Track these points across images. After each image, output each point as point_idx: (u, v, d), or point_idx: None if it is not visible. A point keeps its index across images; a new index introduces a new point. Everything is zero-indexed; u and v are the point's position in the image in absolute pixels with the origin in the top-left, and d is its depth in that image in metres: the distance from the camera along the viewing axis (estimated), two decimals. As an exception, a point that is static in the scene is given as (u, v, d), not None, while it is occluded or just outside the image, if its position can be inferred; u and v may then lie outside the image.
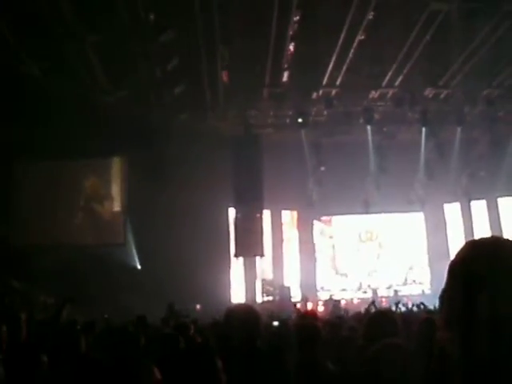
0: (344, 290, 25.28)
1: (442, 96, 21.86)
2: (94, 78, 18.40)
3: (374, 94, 21.79)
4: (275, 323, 9.60)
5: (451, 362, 1.51)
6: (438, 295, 4.18)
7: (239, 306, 3.72)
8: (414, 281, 25.83)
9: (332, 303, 21.81)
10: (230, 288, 23.67)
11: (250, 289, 23.95)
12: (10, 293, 16.99)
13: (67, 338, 4.38)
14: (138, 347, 4.31)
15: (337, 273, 25.94)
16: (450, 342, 1.53)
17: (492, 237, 1.62)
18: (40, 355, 3.74)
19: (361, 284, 25.55)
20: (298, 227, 26.34)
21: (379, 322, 3.80)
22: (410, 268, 26.03)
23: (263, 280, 23.58)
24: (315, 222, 26.31)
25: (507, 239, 1.60)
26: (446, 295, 1.56)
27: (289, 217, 26.40)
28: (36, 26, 15.68)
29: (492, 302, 1.42)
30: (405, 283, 25.61)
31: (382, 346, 2.66)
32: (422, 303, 14.49)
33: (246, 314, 3.53)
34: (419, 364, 3.19)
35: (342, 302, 22.60)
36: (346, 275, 25.85)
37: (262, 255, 23.35)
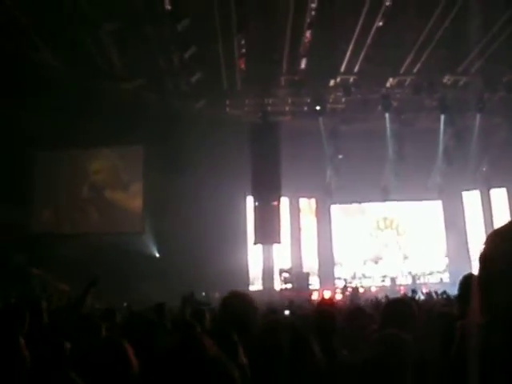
0: (362, 277, 25.24)
1: (461, 83, 21.65)
2: (111, 67, 18.46)
3: (391, 82, 21.66)
4: (286, 312, 9.59)
5: (471, 350, 1.51)
6: (456, 283, 4.17)
7: (234, 294, 3.68)
8: (433, 269, 25.69)
9: (350, 291, 21.82)
10: (248, 276, 23.76)
11: (268, 276, 24.02)
12: (30, 280, 17.20)
13: (88, 325, 4.42)
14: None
15: (355, 260, 25.88)
16: (472, 330, 1.53)
17: None
18: (63, 342, 3.79)
19: (379, 272, 25.49)
20: (316, 215, 26.33)
21: (396, 309, 3.80)
22: (428, 256, 25.88)
23: (281, 268, 23.61)
24: (333, 209, 26.26)
25: None
26: (475, 285, 1.55)
27: (307, 204, 26.40)
28: (52, 14, 15.76)
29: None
30: (423, 271, 25.49)
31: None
32: (445, 292, 14.38)
33: (241, 303, 3.53)
34: (437, 351, 3.19)
35: (360, 290, 22.57)
36: (364, 263, 25.80)
37: (279, 243, 23.38)
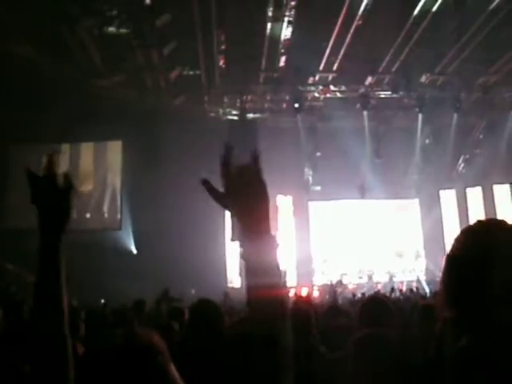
0: (339, 275, 25.28)
1: (438, 82, 21.84)
2: (90, 62, 18.31)
3: (370, 80, 21.75)
4: None
5: (447, 347, 1.53)
6: (432, 281, 4.22)
7: (201, 303, 3.71)
8: (409, 266, 25.84)
9: (328, 288, 21.86)
10: (225, 272, 23.73)
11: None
12: (5, 276, 17.01)
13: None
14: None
15: (332, 258, 25.94)
16: (446, 325, 1.54)
17: (486, 222, 1.62)
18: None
19: (356, 269, 25.56)
20: (294, 212, 26.32)
21: (372, 309, 3.81)
22: (405, 254, 26.03)
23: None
24: (311, 206, 26.30)
25: (501, 222, 1.60)
26: (443, 282, 1.57)
27: (284, 201, 26.38)
28: (32, 9, 15.59)
29: (487, 288, 1.43)
30: (399, 269, 25.63)
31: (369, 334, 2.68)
32: (417, 288, 14.60)
33: (208, 313, 3.55)
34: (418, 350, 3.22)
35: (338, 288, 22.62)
36: (341, 260, 25.86)
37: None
